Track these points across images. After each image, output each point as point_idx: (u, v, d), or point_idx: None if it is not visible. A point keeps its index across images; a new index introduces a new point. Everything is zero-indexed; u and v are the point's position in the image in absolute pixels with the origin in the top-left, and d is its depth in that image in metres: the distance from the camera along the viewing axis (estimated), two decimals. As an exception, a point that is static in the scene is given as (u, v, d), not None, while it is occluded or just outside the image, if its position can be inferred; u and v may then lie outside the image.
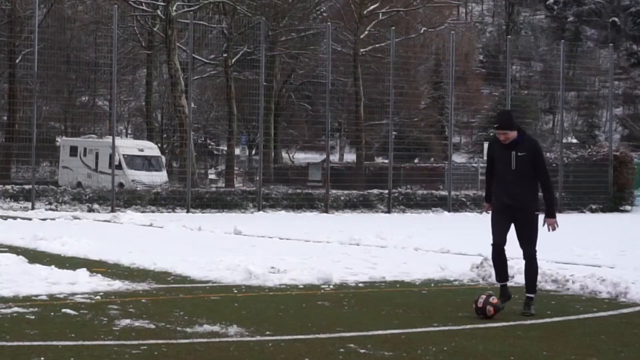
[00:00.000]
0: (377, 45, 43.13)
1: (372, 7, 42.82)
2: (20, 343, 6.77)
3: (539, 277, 11.18)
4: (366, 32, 42.76)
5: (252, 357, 6.47)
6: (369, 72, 44.12)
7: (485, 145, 42.21)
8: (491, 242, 8.96)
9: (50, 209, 27.73)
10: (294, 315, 8.48)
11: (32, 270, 11.20)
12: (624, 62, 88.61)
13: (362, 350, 6.75)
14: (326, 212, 30.89)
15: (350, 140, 56.56)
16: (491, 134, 9.38)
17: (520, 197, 8.72)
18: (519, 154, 8.68)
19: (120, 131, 56.44)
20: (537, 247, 8.93)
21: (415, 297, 9.96)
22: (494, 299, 8.47)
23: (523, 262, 12.84)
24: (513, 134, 8.72)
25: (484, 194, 9.68)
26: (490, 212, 9.12)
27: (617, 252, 15.79)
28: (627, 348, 7.16)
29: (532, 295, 8.88)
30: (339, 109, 50.85)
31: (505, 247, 8.95)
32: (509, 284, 11.25)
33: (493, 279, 11.49)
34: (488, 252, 13.63)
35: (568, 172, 35.12)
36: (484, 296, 8.47)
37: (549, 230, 8.88)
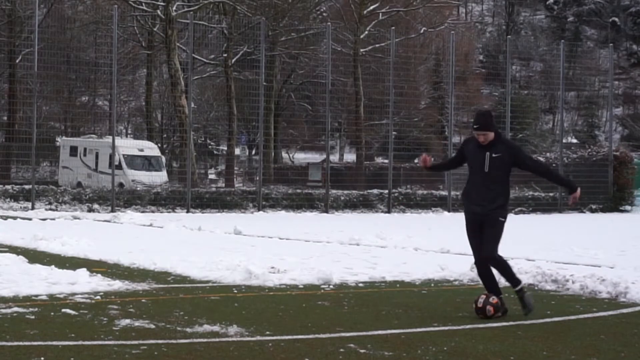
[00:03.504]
0: (377, 45, 43.16)
1: (372, 7, 42.84)
2: (20, 343, 6.77)
3: (539, 277, 11.22)
4: (366, 32, 42.77)
5: (252, 357, 6.47)
6: (369, 72, 44.14)
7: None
8: (473, 260, 8.60)
9: (50, 209, 27.73)
10: (294, 315, 8.47)
11: (32, 270, 11.20)
12: (624, 62, 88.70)
13: (362, 350, 6.75)
14: (326, 212, 30.89)
15: (350, 140, 56.59)
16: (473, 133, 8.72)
17: (488, 202, 8.33)
18: (494, 155, 8.32)
19: (120, 131, 56.50)
20: (499, 251, 8.54)
21: (415, 297, 9.95)
22: (493, 299, 8.43)
23: (523, 262, 12.86)
24: (492, 135, 8.34)
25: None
26: (421, 162, 8.91)
27: (617, 252, 15.78)
28: (627, 348, 7.16)
29: (520, 287, 8.48)
30: (339, 109, 50.88)
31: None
32: (509, 284, 11.27)
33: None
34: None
35: (568, 172, 35.05)
36: (483, 296, 8.45)
37: (573, 202, 8.58)
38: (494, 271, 8.57)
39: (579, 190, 8.52)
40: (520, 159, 8.48)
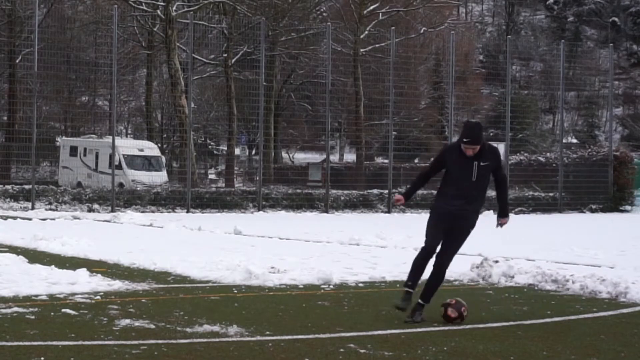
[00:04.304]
0: (377, 45, 43.15)
1: (372, 7, 42.83)
2: (20, 343, 6.77)
3: (539, 277, 11.22)
4: (366, 32, 42.76)
5: (252, 357, 6.47)
6: (369, 72, 44.14)
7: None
8: (423, 245, 8.35)
9: (50, 209, 27.73)
10: (294, 315, 8.47)
11: (32, 270, 11.20)
12: (624, 62, 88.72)
13: (362, 350, 6.75)
14: (326, 212, 30.89)
15: (350, 140, 56.59)
16: (465, 142, 8.31)
17: (469, 210, 8.24)
18: (482, 163, 8.18)
19: (120, 131, 56.49)
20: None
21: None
22: (451, 300, 8.24)
23: (523, 262, 12.84)
24: (478, 147, 8.21)
25: (406, 188, 8.73)
26: (398, 203, 8.58)
27: (617, 252, 15.78)
28: (627, 348, 7.16)
29: (424, 304, 8.31)
30: (339, 109, 50.88)
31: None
32: (509, 284, 11.28)
33: (493, 278, 11.51)
34: (488, 251, 13.67)
35: (568, 172, 35.13)
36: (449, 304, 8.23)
37: (499, 227, 8.44)
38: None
39: (507, 219, 8.48)
40: (497, 166, 8.36)
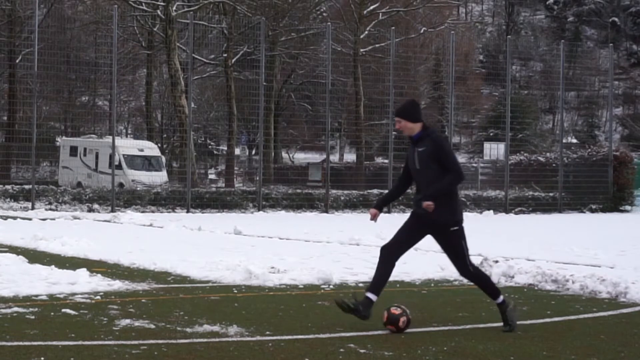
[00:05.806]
0: (377, 45, 43.18)
1: (372, 7, 42.86)
2: (20, 343, 6.76)
3: (539, 277, 11.21)
4: (366, 32, 42.79)
5: (252, 357, 6.47)
6: (369, 72, 44.15)
7: (485, 145, 42.24)
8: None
9: (50, 209, 27.74)
10: (294, 315, 8.47)
11: (32, 270, 11.19)
12: (624, 62, 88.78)
13: (362, 350, 6.75)
14: (326, 212, 30.89)
15: (350, 140, 56.61)
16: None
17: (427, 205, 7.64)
18: (419, 149, 7.70)
19: (120, 131, 56.53)
20: (472, 260, 8.01)
21: (415, 297, 9.95)
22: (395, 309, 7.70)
23: (523, 262, 12.82)
24: (409, 126, 7.71)
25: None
26: (373, 218, 8.25)
27: (617, 252, 15.77)
28: (627, 348, 7.15)
29: (500, 300, 7.85)
30: (339, 109, 50.90)
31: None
32: (509, 284, 11.26)
33: (493, 278, 11.48)
34: (488, 251, 13.66)
35: (568, 172, 35.14)
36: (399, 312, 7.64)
37: (422, 208, 7.64)
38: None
39: (429, 202, 7.62)
40: (439, 154, 7.67)
